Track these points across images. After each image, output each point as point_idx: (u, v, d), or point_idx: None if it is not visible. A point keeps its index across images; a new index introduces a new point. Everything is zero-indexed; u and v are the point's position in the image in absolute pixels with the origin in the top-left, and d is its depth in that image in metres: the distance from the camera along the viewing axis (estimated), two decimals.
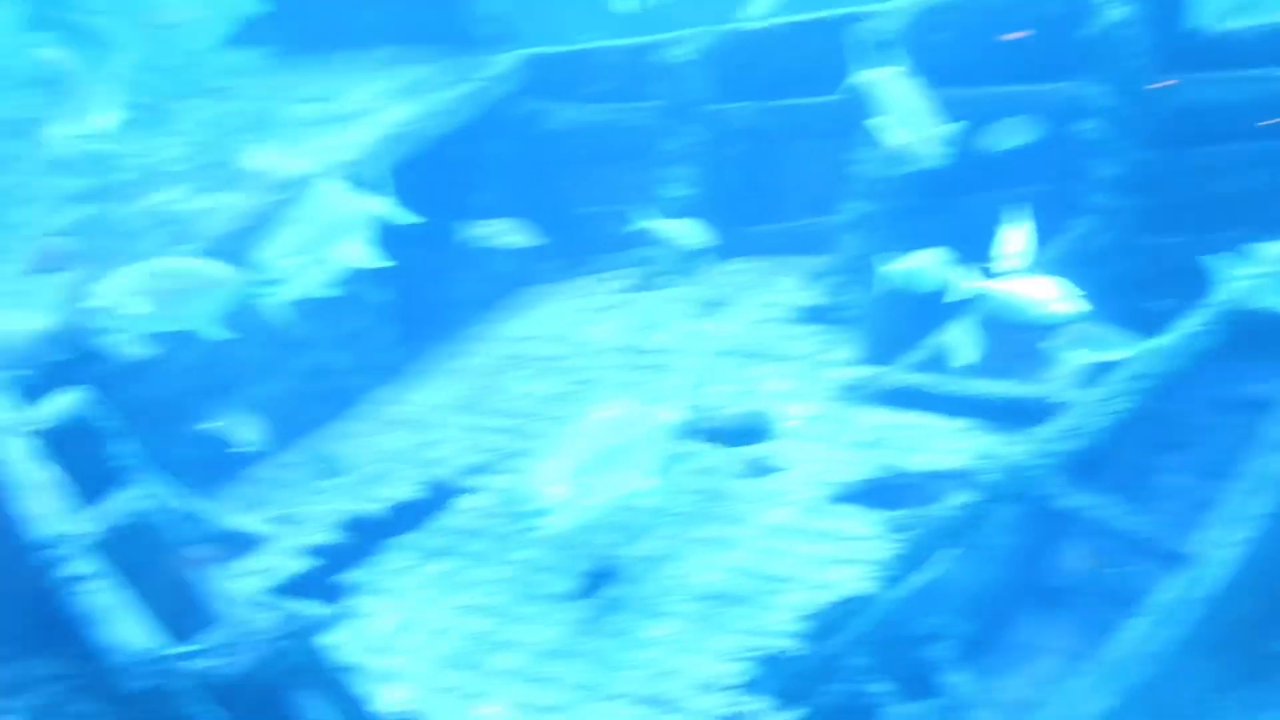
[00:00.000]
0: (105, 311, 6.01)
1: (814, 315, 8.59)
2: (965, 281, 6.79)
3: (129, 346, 7.09)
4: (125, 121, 8.47)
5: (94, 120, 8.24)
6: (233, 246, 7.59)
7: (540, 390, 8.39)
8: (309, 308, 6.82)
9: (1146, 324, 7.32)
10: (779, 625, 6.36)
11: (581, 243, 9.66)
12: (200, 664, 5.49)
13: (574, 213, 9.80)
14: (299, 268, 6.04)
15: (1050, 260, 7.66)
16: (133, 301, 5.90)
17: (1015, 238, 7.23)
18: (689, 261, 9.11)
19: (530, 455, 7.43)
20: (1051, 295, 6.78)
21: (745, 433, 7.58)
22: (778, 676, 6.26)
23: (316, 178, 7.27)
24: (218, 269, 6.11)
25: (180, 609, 6.03)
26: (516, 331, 9.12)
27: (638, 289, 9.27)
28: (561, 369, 8.59)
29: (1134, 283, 8.35)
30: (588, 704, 6.18)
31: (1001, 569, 7.02)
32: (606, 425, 6.31)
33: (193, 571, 6.13)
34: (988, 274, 6.89)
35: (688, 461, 7.30)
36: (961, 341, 7.38)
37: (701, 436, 7.51)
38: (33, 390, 6.71)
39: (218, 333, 6.06)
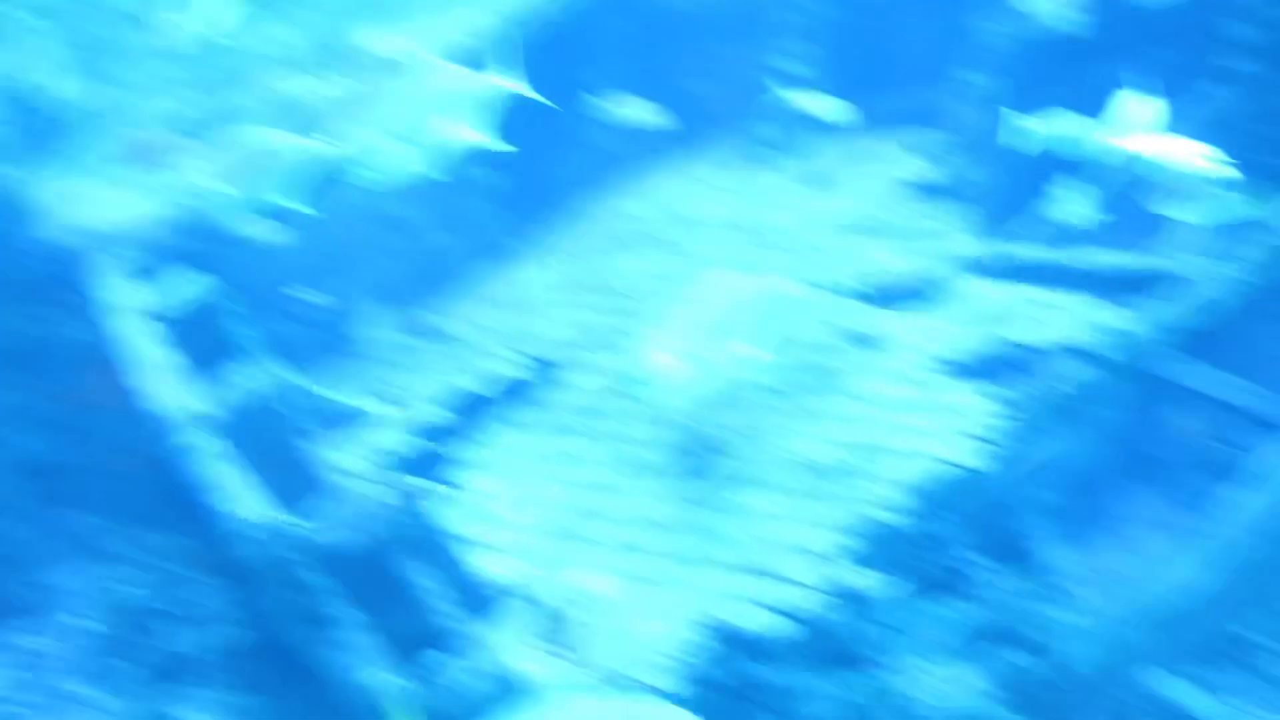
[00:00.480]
0: (203, 191, 6.14)
1: (930, 189, 8.45)
2: (1097, 143, 6.58)
3: (239, 226, 7.24)
4: (241, 10, 8.57)
5: (210, 9, 8.34)
6: (342, 128, 7.69)
7: (651, 268, 8.40)
8: (418, 187, 6.90)
9: (1276, 188, 7.07)
10: (883, 498, 6.36)
11: (696, 120, 9.57)
12: (312, 533, 5.68)
13: (690, 89, 9.70)
14: (399, 147, 6.08)
15: (1183, 123, 7.40)
16: (221, 178, 6.01)
17: (1146, 101, 6.98)
18: (806, 136, 8.99)
19: (640, 332, 7.50)
20: (1185, 158, 6.55)
21: (903, 294, 7.51)
22: (880, 548, 6.28)
23: (424, 56, 7.29)
24: (301, 142, 6.17)
25: (294, 481, 6.24)
26: (629, 209, 9.12)
27: (752, 165, 9.19)
28: (673, 246, 8.58)
29: (1269, 148, 8.03)
30: (691, 574, 6.27)
31: (1109, 442, 6.90)
32: (717, 299, 6.30)
33: (305, 445, 6.32)
34: (1118, 136, 6.68)
35: (799, 334, 7.27)
36: (1084, 207, 7.19)
37: (854, 297, 7.46)
38: (151, 272, 6.94)
39: (305, 207, 6.13)
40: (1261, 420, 6.89)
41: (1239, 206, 6.80)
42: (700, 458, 6.85)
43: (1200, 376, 6.98)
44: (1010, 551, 6.60)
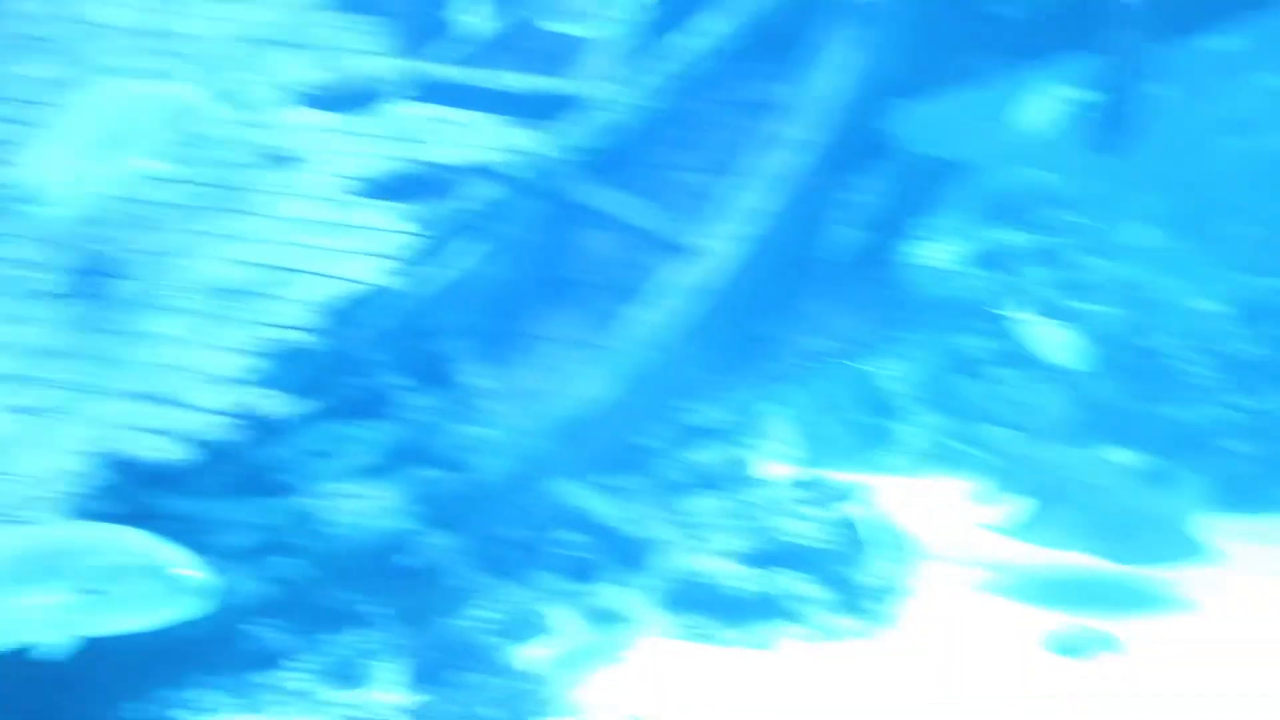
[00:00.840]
0: None
1: (347, 2, 8.19)
2: None
3: None
4: None
5: None
6: None
7: (41, 73, 7.65)
8: None
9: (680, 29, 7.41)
10: (294, 319, 6.20)
11: None
12: None
13: None
14: None
15: None
16: None
17: None
18: None
19: (31, 144, 6.86)
20: None
21: (317, 110, 7.20)
22: (293, 371, 6.14)
23: None
24: None
25: None
26: (21, 8, 8.24)
27: None
28: (70, 51, 7.86)
29: None
30: (89, 404, 5.89)
31: (520, 262, 7.10)
32: (118, 109, 5.89)
33: None
34: None
35: (206, 149, 6.90)
36: (489, 23, 7.22)
37: (266, 111, 7.09)
38: None
39: None
40: (661, 241, 7.30)
41: (637, 31, 7.08)
42: (96, 280, 6.40)
43: (607, 198, 7.28)
44: (426, 370, 6.67)
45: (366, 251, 6.47)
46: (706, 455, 7.61)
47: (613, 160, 7.17)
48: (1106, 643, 6.92)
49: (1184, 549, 7.61)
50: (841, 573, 7.25)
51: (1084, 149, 8.06)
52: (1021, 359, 9.60)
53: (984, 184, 10.90)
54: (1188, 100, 13.43)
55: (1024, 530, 7.70)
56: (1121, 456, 9.33)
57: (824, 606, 7.11)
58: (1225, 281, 11.97)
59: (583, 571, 6.99)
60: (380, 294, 6.37)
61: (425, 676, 6.07)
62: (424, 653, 6.14)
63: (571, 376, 6.87)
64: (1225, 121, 13.49)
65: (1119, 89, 7.74)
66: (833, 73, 7.52)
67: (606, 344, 6.92)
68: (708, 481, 7.57)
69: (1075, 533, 7.62)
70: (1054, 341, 9.00)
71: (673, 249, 7.23)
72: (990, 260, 10.60)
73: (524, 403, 6.84)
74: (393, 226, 6.59)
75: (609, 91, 7.18)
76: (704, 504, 7.45)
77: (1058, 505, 7.70)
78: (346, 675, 6.07)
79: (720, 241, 7.23)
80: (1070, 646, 6.88)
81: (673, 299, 7.11)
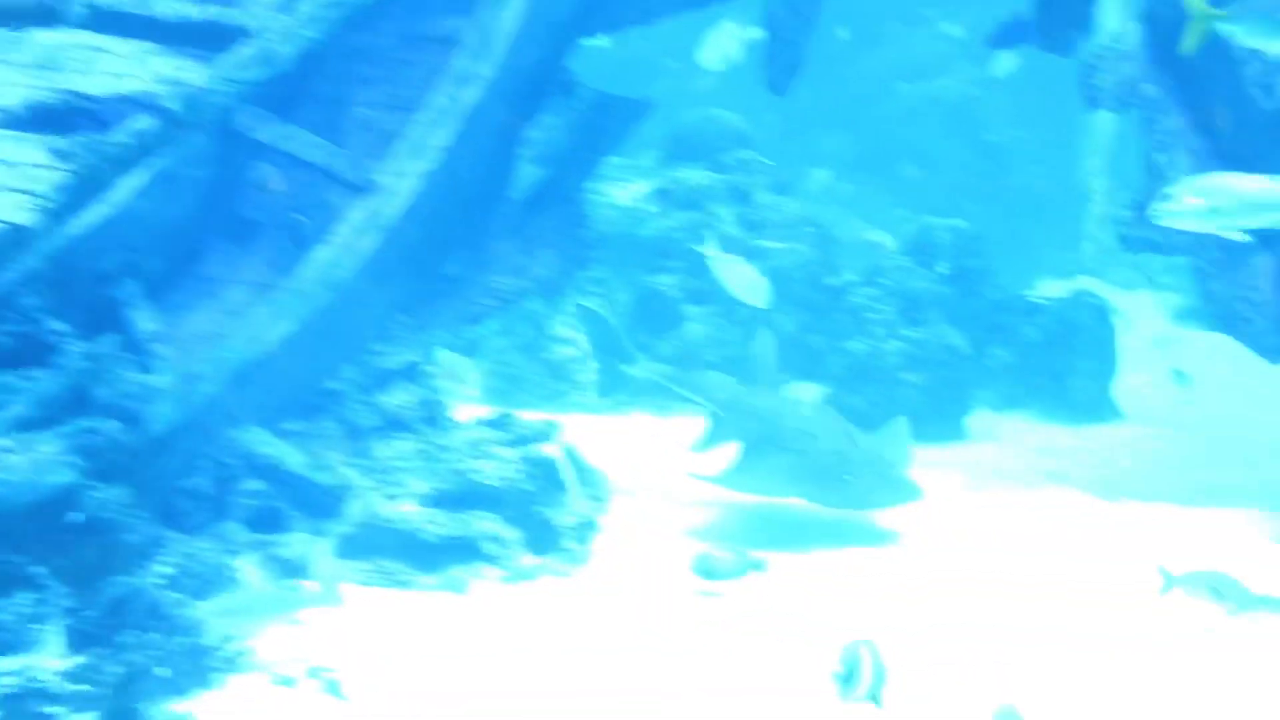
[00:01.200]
0: None
1: None
2: None
3: None
4: None
5: None
6: None
7: None
8: None
9: None
10: None
11: None
12: None
13: None
14: None
15: None
16: None
17: None
18: None
19: None
20: None
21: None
22: None
23: None
24: None
25: None
26: None
27: None
28: None
29: None
30: None
31: (189, 201, 6.74)
32: None
33: None
34: None
35: None
36: None
37: None
38: None
39: None
40: (342, 179, 7.07)
41: None
42: None
43: (282, 134, 6.99)
44: (88, 315, 6.27)
45: (12, 188, 6.00)
46: (397, 398, 7.43)
47: (287, 95, 6.88)
48: (755, 565, 7.04)
49: (892, 491, 7.64)
50: (536, 513, 7.21)
51: (761, 89, 8.21)
52: (714, 297, 9.73)
53: (669, 122, 11.01)
54: (867, 45, 13.94)
55: (731, 477, 7.66)
56: (810, 392, 9.56)
57: (518, 547, 7.05)
58: (894, 219, 12.48)
59: (268, 521, 6.72)
60: (30, 234, 5.91)
61: (96, 638, 5.72)
62: (94, 613, 5.79)
63: (248, 319, 6.56)
64: (901, 66, 14.02)
65: (788, 31, 7.90)
66: (513, 10, 7.40)
67: (285, 285, 6.63)
68: (398, 425, 7.39)
69: (783, 478, 7.60)
70: (743, 279, 9.11)
71: (354, 187, 7.00)
72: (678, 199, 10.69)
73: (197, 347, 6.50)
74: (42, 162, 6.12)
75: (279, 23, 6.86)
76: (395, 447, 7.27)
77: (765, 451, 7.66)
78: (9, 642, 5.67)
79: (403, 180, 7.04)
80: (714, 570, 6.95)
81: (355, 239, 6.88)
